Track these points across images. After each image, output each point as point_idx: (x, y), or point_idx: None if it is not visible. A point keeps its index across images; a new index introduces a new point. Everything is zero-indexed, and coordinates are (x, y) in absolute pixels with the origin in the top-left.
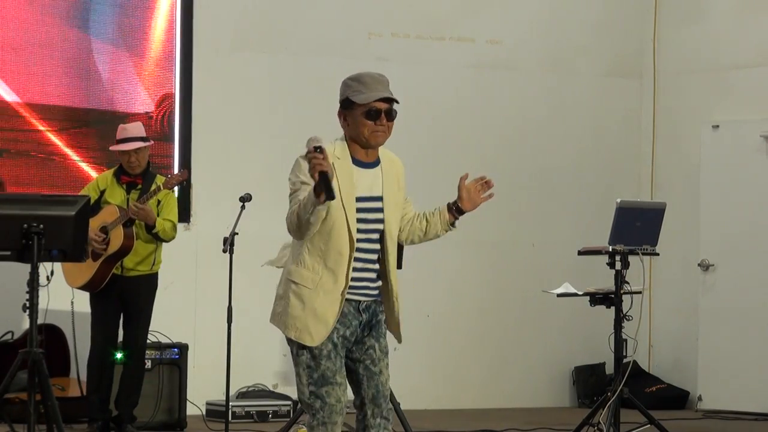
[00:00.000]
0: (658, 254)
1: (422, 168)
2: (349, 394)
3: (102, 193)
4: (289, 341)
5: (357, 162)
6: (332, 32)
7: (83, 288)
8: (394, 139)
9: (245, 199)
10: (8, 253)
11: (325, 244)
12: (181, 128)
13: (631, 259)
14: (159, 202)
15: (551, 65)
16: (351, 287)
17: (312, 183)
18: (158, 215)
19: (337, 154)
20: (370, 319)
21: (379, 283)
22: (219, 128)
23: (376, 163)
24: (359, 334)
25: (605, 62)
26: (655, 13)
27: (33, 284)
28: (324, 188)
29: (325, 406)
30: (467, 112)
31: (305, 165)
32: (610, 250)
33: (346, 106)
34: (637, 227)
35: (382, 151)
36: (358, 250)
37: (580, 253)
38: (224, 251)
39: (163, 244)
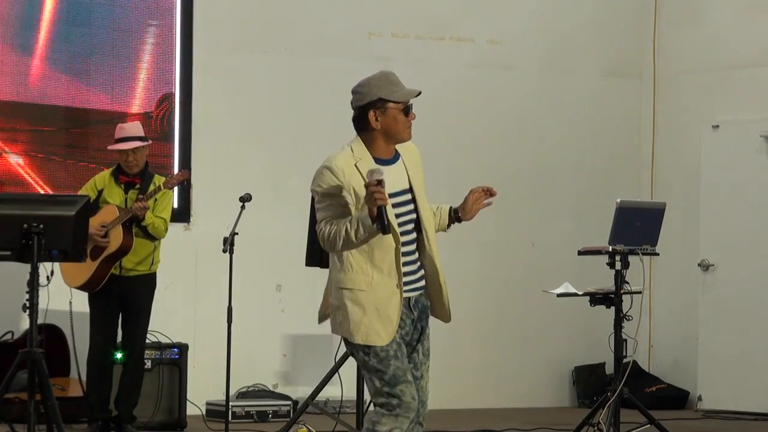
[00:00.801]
0: (658, 254)
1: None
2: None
3: (100, 192)
4: (353, 348)
5: (378, 161)
6: (332, 32)
7: (81, 288)
8: None
9: (245, 199)
10: (8, 253)
11: (369, 245)
12: (181, 128)
13: (631, 259)
14: (155, 200)
15: (551, 65)
16: (403, 282)
17: (340, 198)
18: (153, 212)
19: (358, 155)
20: (419, 316)
21: (422, 272)
22: (219, 128)
23: (396, 158)
24: (412, 334)
25: (605, 62)
26: (655, 13)
27: (33, 284)
28: (381, 222)
29: (402, 403)
30: (467, 112)
31: (329, 176)
32: (610, 250)
33: (378, 105)
34: (637, 227)
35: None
36: (402, 243)
37: (580, 253)
38: (224, 251)
39: (162, 243)
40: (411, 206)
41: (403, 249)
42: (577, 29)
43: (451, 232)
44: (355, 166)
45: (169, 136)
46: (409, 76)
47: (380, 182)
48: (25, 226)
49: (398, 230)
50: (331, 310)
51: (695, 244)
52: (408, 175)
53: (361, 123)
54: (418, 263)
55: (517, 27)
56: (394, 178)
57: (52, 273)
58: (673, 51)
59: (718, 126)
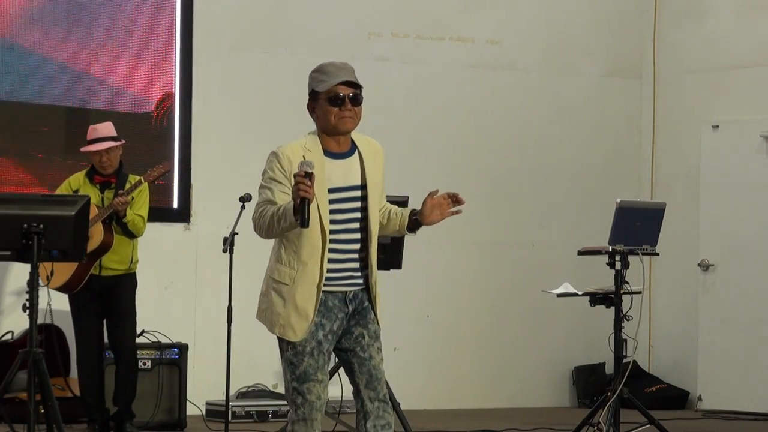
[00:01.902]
0: (658, 254)
1: (421, 168)
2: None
3: (75, 193)
4: (279, 338)
5: (329, 153)
6: (332, 32)
7: (61, 289)
8: (395, 138)
9: (245, 199)
10: (8, 253)
11: (298, 239)
12: (181, 128)
13: (631, 259)
14: (132, 198)
15: (551, 65)
16: (334, 278)
17: (282, 186)
18: (130, 209)
19: (308, 146)
20: (356, 307)
21: (367, 271)
22: (219, 128)
23: (351, 152)
24: (346, 325)
25: (605, 62)
26: (655, 13)
27: (33, 284)
28: (301, 215)
29: (306, 402)
30: (467, 112)
31: (275, 162)
32: (610, 250)
33: (314, 97)
34: (637, 227)
35: (357, 137)
36: (336, 241)
37: (580, 253)
38: (224, 251)
39: (162, 243)
40: (357, 204)
41: (344, 247)
42: (577, 29)
43: (451, 232)
44: (303, 157)
45: (169, 136)
46: (409, 76)
47: (309, 175)
48: (25, 226)
49: (328, 226)
50: (260, 295)
51: (695, 244)
52: (364, 172)
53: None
54: (362, 262)
55: (517, 27)
56: (341, 172)
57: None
58: (673, 51)
59: (718, 126)
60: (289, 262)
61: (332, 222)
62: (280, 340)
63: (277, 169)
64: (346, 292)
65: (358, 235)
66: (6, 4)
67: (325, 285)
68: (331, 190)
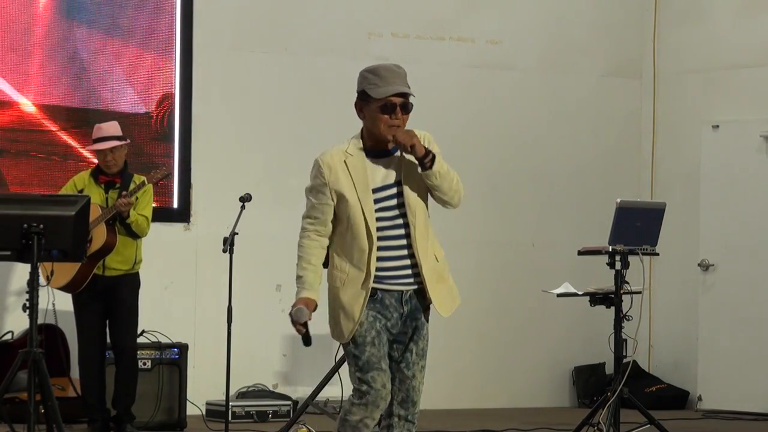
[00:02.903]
0: (658, 254)
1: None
2: None
3: (80, 192)
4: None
5: (373, 153)
6: (332, 32)
7: (65, 288)
8: None
9: (245, 199)
10: (8, 253)
11: (347, 243)
12: (181, 128)
13: (631, 259)
14: (137, 198)
15: (551, 65)
16: (387, 277)
17: (322, 197)
18: (134, 209)
19: (350, 151)
20: (412, 313)
21: (418, 268)
22: (219, 128)
23: (392, 150)
24: (401, 328)
25: (605, 62)
26: (655, 13)
27: (33, 284)
28: (303, 339)
29: (372, 389)
30: (467, 112)
31: (317, 171)
32: (610, 250)
33: (363, 98)
34: (637, 227)
35: None
36: (385, 238)
37: (580, 253)
38: (224, 251)
39: (162, 243)
40: (399, 200)
41: (394, 243)
42: (577, 29)
43: (451, 232)
44: (345, 162)
45: (169, 136)
46: (409, 77)
47: (305, 324)
48: (25, 226)
49: (374, 227)
50: None
51: (695, 244)
52: (400, 168)
53: (357, 112)
54: (415, 258)
55: (517, 27)
56: (383, 171)
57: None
58: (673, 51)
59: (718, 126)
60: (341, 266)
61: (379, 220)
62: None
63: (318, 178)
64: (402, 291)
65: (403, 231)
66: (6, 4)
67: (378, 282)
68: (374, 190)
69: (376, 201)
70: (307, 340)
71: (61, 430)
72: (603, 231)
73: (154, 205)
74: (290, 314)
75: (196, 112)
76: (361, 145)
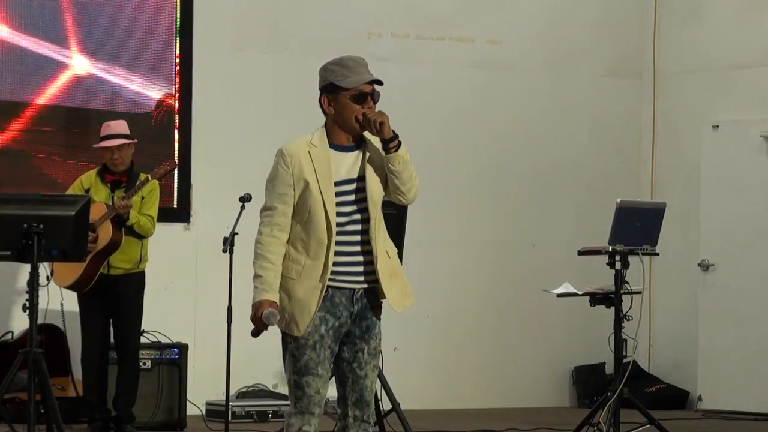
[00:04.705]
0: (658, 254)
1: (421, 167)
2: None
3: (87, 192)
4: (283, 333)
5: (337, 147)
6: (332, 32)
7: (72, 287)
8: None
9: (245, 199)
10: (8, 253)
11: (306, 234)
12: (181, 128)
13: (631, 259)
14: (143, 198)
15: (551, 65)
16: (341, 273)
17: (284, 187)
18: (140, 210)
19: (314, 142)
20: (363, 312)
21: (373, 266)
22: (219, 128)
23: (359, 144)
24: (351, 327)
25: (605, 62)
26: (655, 13)
27: (33, 284)
28: (253, 332)
29: (304, 396)
30: (467, 112)
31: (279, 161)
32: (610, 250)
33: (331, 90)
34: (637, 227)
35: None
36: (345, 233)
37: (580, 253)
38: (224, 251)
39: (162, 243)
40: (361, 195)
41: (351, 239)
42: (577, 29)
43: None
44: (309, 153)
45: (169, 136)
46: (409, 76)
47: (266, 327)
48: (25, 226)
49: (334, 220)
50: None
51: (695, 244)
52: (363, 163)
53: (321, 108)
54: (369, 255)
55: (517, 27)
56: (347, 165)
57: (52, 273)
58: (673, 51)
59: (718, 126)
60: (297, 258)
61: (339, 215)
62: (284, 334)
63: (281, 168)
64: (354, 289)
65: (359, 227)
66: (6, 4)
67: (332, 280)
68: (336, 183)
69: (338, 194)
70: (257, 334)
71: (61, 430)
72: (603, 231)
73: None
74: (260, 314)
75: (196, 112)
76: (326, 139)
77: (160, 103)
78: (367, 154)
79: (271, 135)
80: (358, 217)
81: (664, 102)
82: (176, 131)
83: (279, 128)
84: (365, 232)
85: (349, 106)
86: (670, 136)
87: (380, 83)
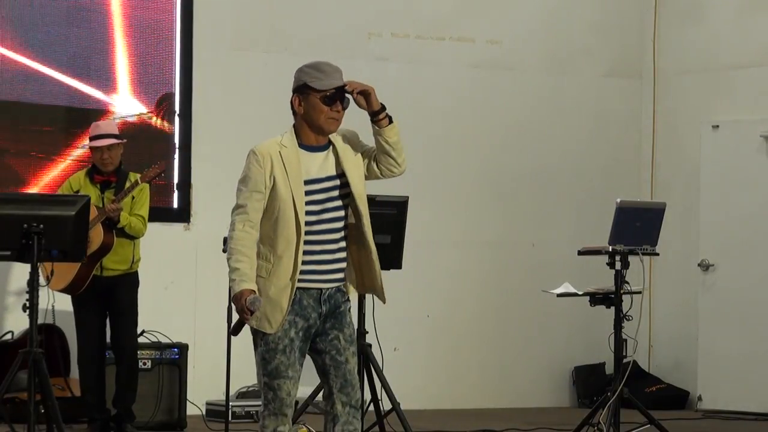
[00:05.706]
0: (658, 254)
1: (421, 168)
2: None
3: (76, 193)
4: (253, 331)
5: (306, 147)
6: (332, 32)
7: (65, 290)
8: None
9: None
10: (8, 253)
11: (274, 232)
12: (181, 128)
13: (631, 259)
14: (133, 198)
15: (551, 65)
16: (309, 272)
17: (257, 185)
18: (131, 211)
19: (285, 143)
20: (332, 309)
21: (344, 264)
22: (219, 128)
23: (327, 145)
24: (320, 326)
25: (605, 62)
26: (655, 13)
27: (33, 284)
28: (234, 327)
29: (276, 398)
30: (467, 112)
31: (252, 161)
32: (610, 250)
33: (303, 91)
34: (637, 227)
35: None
36: (312, 233)
37: (580, 253)
38: (224, 251)
39: (162, 243)
40: (337, 192)
41: (321, 238)
42: (577, 29)
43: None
44: (279, 153)
45: (169, 136)
46: (409, 76)
47: (252, 312)
48: (25, 226)
49: (303, 219)
50: None
51: (695, 244)
52: (339, 161)
53: (291, 108)
54: (340, 253)
55: (517, 27)
56: (317, 164)
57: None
58: (673, 51)
59: (718, 126)
60: (265, 256)
61: (308, 213)
62: (255, 333)
63: (254, 167)
64: (321, 290)
65: (337, 225)
66: (6, 5)
67: (300, 281)
68: (307, 182)
69: (307, 193)
70: (238, 329)
71: (61, 430)
72: (603, 231)
73: (153, 205)
74: (243, 302)
75: (196, 112)
76: (296, 139)
77: (160, 103)
78: (339, 153)
79: (271, 135)
80: (328, 216)
81: (664, 102)
82: (176, 131)
83: (279, 128)
84: (337, 230)
85: (318, 106)
86: (670, 136)
87: (350, 93)
